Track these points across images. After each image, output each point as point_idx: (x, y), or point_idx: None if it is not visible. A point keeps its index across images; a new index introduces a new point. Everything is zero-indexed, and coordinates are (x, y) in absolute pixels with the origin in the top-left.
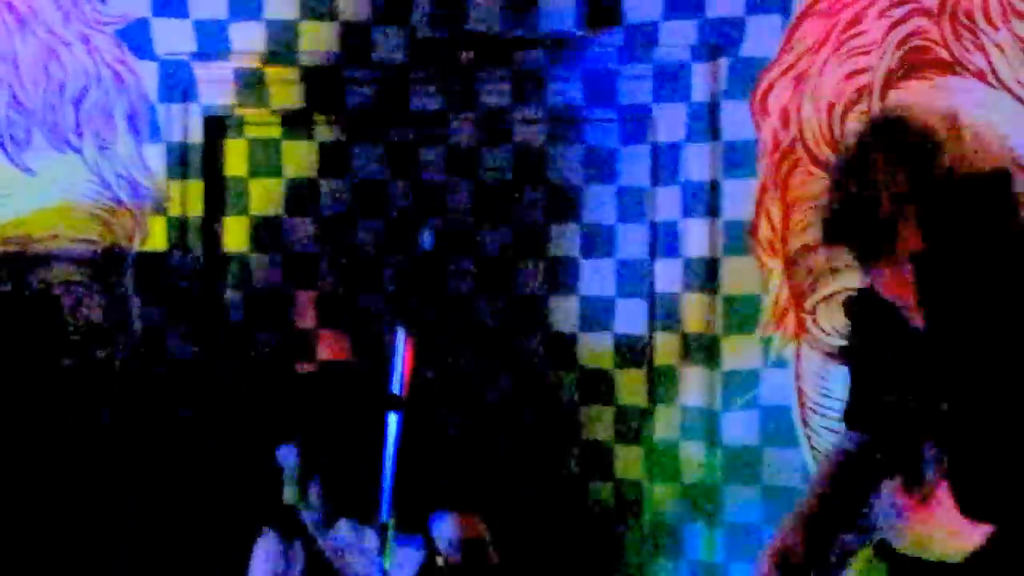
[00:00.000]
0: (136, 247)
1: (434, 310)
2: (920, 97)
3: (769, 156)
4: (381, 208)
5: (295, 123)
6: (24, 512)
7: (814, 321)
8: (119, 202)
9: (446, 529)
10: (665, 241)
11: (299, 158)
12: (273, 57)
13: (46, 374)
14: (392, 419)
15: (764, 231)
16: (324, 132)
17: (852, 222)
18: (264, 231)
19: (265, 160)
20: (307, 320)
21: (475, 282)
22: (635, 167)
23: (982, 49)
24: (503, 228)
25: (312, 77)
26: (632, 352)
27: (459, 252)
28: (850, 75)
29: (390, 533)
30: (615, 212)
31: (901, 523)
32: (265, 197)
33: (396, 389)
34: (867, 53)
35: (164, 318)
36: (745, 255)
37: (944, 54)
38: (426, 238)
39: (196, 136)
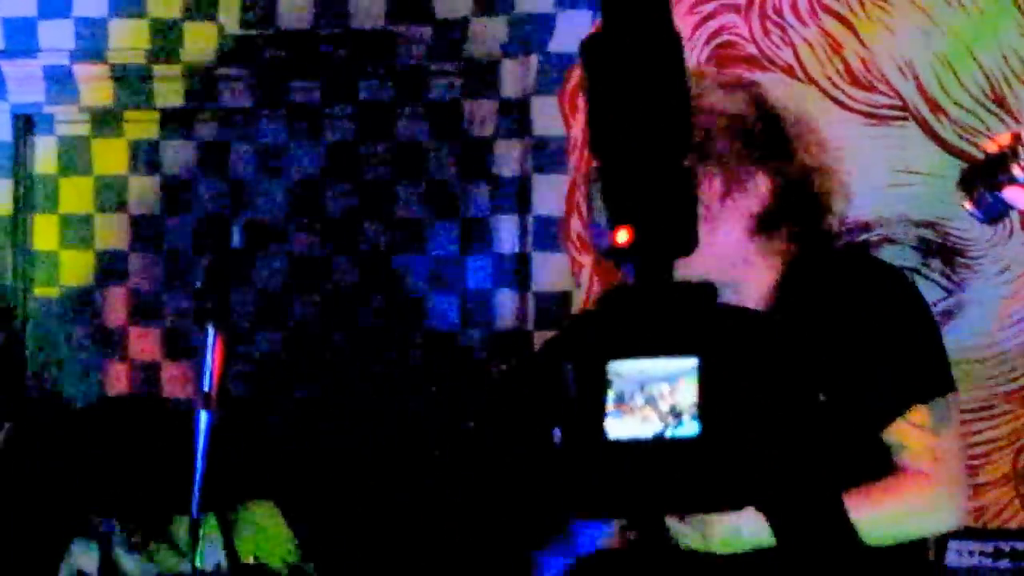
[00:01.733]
0: None
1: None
2: None
3: (579, 152)
4: (191, 205)
5: (106, 121)
6: None
7: None
8: None
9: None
10: (476, 237)
11: (110, 156)
12: (83, 55)
13: None
14: (203, 416)
15: (575, 227)
16: (135, 130)
17: None
18: (75, 229)
19: (75, 158)
20: (118, 317)
21: (288, 278)
22: (445, 163)
23: (791, 45)
24: (315, 224)
25: (123, 75)
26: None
27: (271, 250)
28: None
29: (201, 531)
30: (424, 208)
31: None
32: (76, 195)
33: (205, 386)
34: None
35: None
36: (556, 251)
37: (752, 49)
38: (236, 235)
39: (5, 134)
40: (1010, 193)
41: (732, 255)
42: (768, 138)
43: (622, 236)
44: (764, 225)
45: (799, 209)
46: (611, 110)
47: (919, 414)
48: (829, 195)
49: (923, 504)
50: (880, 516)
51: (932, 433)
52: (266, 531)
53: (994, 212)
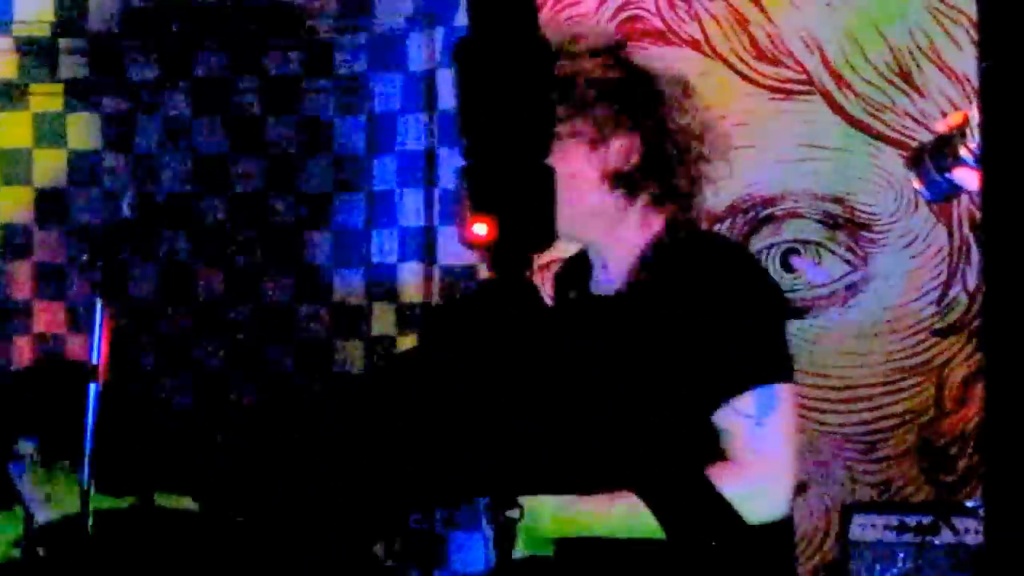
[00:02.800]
0: None
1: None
2: None
3: None
4: (96, 179)
5: (10, 94)
6: None
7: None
8: None
9: None
10: (382, 211)
11: (14, 130)
12: None
13: None
14: (91, 389)
15: None
16: (40, 103)
17: None
18: None
19: None
20: (23, 292)
21: (191, 255)
22: (351, 137)
23: (697, 19)
24: (219, 199)
25: (28, 47)
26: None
27: (174, 224)
28: None
29: (89, 501)
30: (332, 182)
31: None
32: None
33: (94, 359)
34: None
35: None
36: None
37: (659, 23)
38: (125, 207)
39: None
40: (959, 174)
41: (593, 210)
42: (631, 98)
43: (480, 228)
44: (623, 182)
45: (660, 168)
46: (480, 109)
47: (744, 401)
48: (700, 158)
49: (737, 492)
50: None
51: (755, 422)
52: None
53: (942, 192)
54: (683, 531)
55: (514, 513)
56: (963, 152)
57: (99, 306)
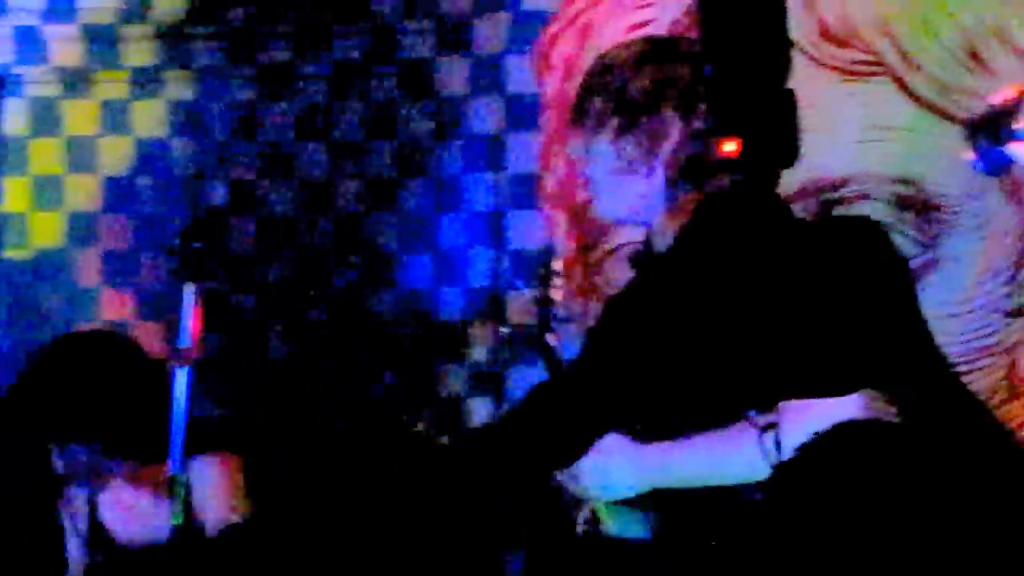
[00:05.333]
0: None
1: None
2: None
3: (553, 110)
4: (162, 166)
5: (75, 83)
6: None
7: (599, 274)
8: None
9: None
10: (449, 196)
11: (80, 117)
12: (52, 15)
13: None
14: (181, 373)
15: (549, 184)
16: (105, 91)
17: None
18: (45, 191)
19: (45, 119)
20: (90, 279)
21: (257, 242)
22: (418, 122)
23: None
24: (285, 185)
25: (93, 35)
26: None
27: (245, 210)
28: (633, 27)
29: (179, 487)
30: (398, 168)
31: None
32: (45, 156)
33: (184, 343)
34: (651, 5)
35: None
36: (530, 209)
37: None
38: (218, 193)
39: None
40: (1013, 147)
41: (658, 201)
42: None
43: (730, 146)
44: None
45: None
46: (723, 36)
47: None
48: None
49: None
50: None
51: None
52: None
53: (996, 165)
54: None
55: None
56: (1019, 126)
57: (190, 291)
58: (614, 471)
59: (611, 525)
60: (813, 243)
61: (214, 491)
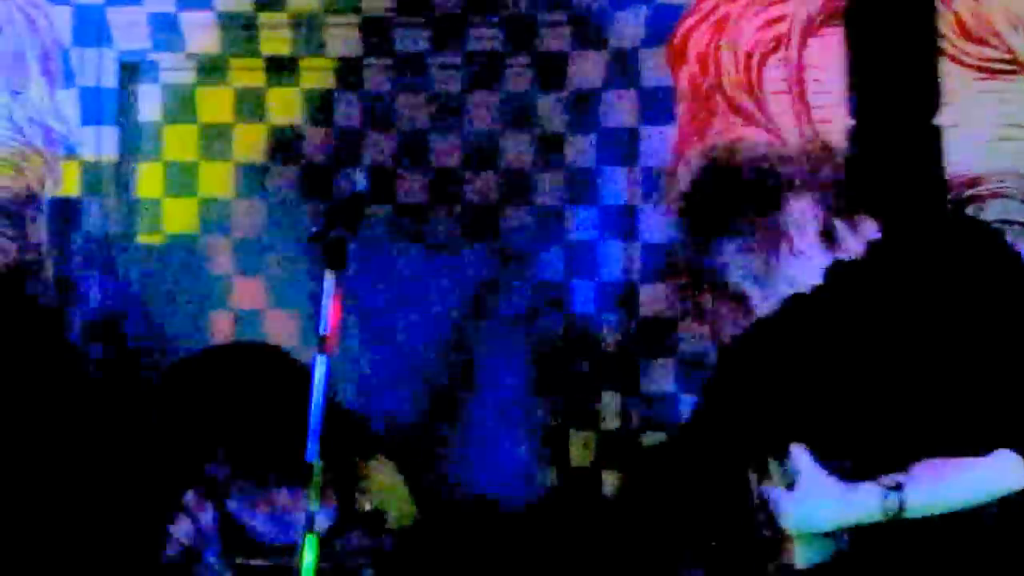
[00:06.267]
0: (48, 192)
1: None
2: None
3: (687, 103)
4: (298, 155)
5: (210, 69)
6: None
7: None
8: (31, 147)
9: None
10: (581, 188)
11: (215, 104)
12: (188, 2)
13: None
14: (320, 361)
15: (681, 177)
16: (240, 78)
17: None
18: (179, 177)
19: (180, 106)
20: (223, 267)
21: (389, 230)
22: (552, 113)
23: None
24: (417, 175)
25: (229, 22)
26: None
27: (378, 200)
28: (768, 23)
29: (316, 476)
30: (531, 159)
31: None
32: (180, 143)
33: (323, 331)
34: (786, 0)
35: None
36: (663, 203)
37: None
38: (360, 180)
39: (110, 81)
40: None
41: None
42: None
43: None
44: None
45: None
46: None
47: None
48: None
49: None
50: None
51: None
52: (392, 489)
53: None
54: None
55: None
56: None
57: (330, 279)
58: (821, 510)
59: (801, 554)
60: (962, 289)
61: (393, 489)
